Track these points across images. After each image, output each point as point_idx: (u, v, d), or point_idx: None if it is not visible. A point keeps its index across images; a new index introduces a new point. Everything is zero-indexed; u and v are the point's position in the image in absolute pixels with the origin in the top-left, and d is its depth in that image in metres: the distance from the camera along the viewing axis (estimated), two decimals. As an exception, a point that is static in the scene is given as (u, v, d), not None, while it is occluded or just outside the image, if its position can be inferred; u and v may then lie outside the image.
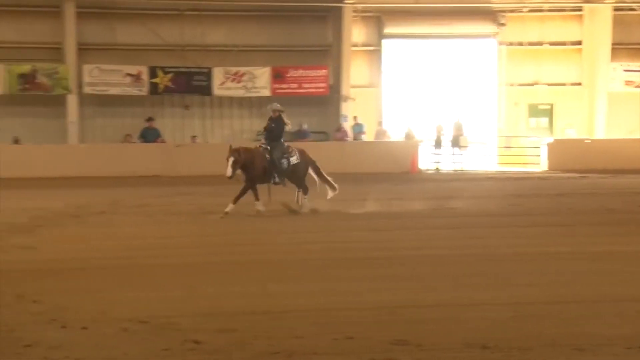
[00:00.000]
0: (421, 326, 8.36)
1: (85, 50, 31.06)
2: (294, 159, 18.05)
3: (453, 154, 33.19)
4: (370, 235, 14.95)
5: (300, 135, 32.13)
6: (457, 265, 11.81)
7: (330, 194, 18.38)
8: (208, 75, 31.54)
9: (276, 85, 31.99)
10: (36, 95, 30.47)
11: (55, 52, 31.15)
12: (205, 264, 11.97)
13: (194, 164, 29.32)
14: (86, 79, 30.56)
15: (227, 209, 16.99)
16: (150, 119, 30.78)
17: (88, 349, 7.53)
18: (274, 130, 18.11)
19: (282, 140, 18.27)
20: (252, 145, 19.79)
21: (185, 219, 17.23)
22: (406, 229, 15.76)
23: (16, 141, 29.58)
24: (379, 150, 31.88)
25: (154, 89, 31.14)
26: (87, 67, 30.60)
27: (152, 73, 31.07)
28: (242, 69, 31.83)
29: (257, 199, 17.47)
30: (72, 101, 30.62)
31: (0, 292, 9.89)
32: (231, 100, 32.80)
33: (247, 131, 33.14)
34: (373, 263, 12.01)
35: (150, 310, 8.95)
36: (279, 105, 18.60)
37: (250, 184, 17.38)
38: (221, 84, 31.60)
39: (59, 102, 30.92)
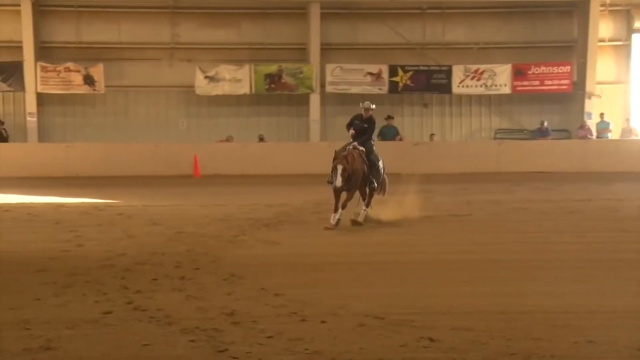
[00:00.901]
0: (670, 333, 7.97)
1: (327, 50, 31.72)
2: (381, 164, 16.44)
3: None
4: (619, 236, 14.34)
5: (541, 133, 31.43)
6: None
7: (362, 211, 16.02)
8: (447, 73, 31.39)
9: (517, 83, 31.36)
10: (281, 95, 31.51)
11: (300, 52, 32.04)
12: (441, 262, 11.94)
13: (431, 162, 29.32)
14: (328, 78, 31.22)
15: (359, 218, 15.75)
16: (389, 117, 31.07)
17: (326, 343, 7.70)
18: (367, 131, 16.31)
19: (372, 141, 16.48)
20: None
21: (422, 216, 17.21)
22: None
23: (261, 139, 30.72)
24: (626, 148, 30.50)
25: (393, 87, 31.36)
26: (329, 67, 31.26)
27: (392, 71, 31.32)
28: (482, 67, 31.46)
29: (336, 209, 15.39)
30: (314, 100, 31.41)
31: (245, 285, 10.34)
32: (470, 98, 32.53)
33: (486, 129, 32.77)
34: (619, 265, 11.56)
35: (386, 306, 9.04)
36: (371, 103, 16.61)
37: (351, 191, 15.61)
38: (460, 82, 31.39)
39: (302, 101, 31.79)
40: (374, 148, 16.35)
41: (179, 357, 7.30)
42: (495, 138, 32.37)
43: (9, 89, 30.10)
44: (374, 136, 17.05)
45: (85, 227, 15.71)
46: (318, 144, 30.52)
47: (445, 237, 14.46)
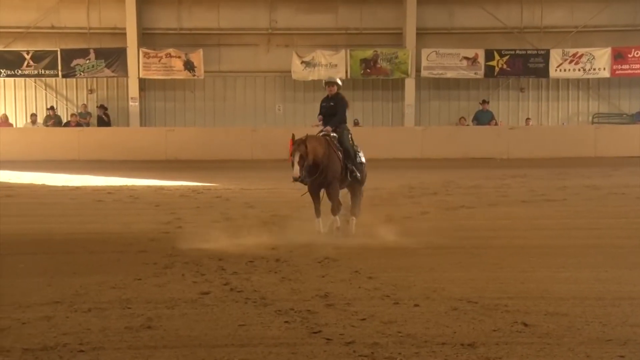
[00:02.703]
0: None
1: (423, 35, 31.56)
2: (361, 154, 13.60)
3: None
4: None
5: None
6: None
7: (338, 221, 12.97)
8: (545, 57, 30.91)
9: (616, 66, 30.70)
10: (376, 79, 31.50)
11: (396, 37, 31.95)
12: (537, 247, 11.86)
13: (527, 146, 29.05)
14: (424, 62, 31.07)
15: (337, 224, 12.92)
16: (484, 102, 30.87)
17: (419, 326, 7.75)
18: (336, 112, 13.35)
19: (346, 124, 13.55)
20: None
21: (517, 201, 17.08)
22: None
23: (356, 123, 30.74)
24: None
25: (489, 71, 31.04)
26: (425, 51, 31.09)
27: (488, 56, 30.99)
28: (581, 50, 30.89)
29: (318, 214, 12.90)
30: (409, 85, 31.30)
31: (339, 267, 10.47)
32: (567, 82, 31.99)
33: (584, 114, 32.21)
34: None
35: (480, 290, 9.05)
36: (336, 78, 13.80)
37: (331, 187, 12.91)
38: (558, 66, 30.88)
39: (397, 85, 31.76)
40: (350, 136, 13.48)
41: (273, 338, 7.43)
42: (593, 122, 31.81)
43: (112, 74, 30.88)
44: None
45: (184, 209, 16.09)
46: (413, 128, 30.48)
47: (540, 222, 14.34)
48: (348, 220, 13.22)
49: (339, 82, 13.67)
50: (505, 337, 7.39)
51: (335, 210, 12.87)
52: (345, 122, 13.50)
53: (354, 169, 13.20)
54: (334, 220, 12.89)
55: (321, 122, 13.52)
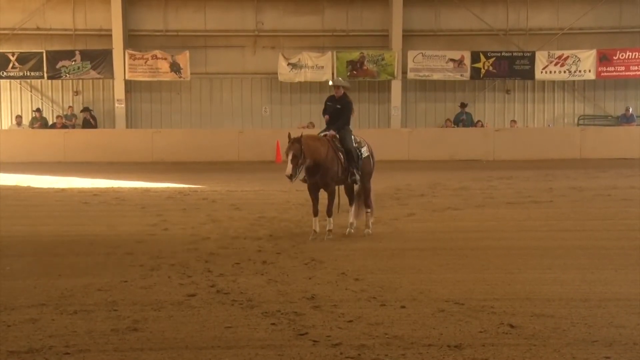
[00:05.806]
0: None
1: (409, 37, 31.62)
2: (364, 151, 13.60)
3: None
4: None
5: (625, 119, 30.93)
6: None
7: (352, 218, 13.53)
8: (530, 59, 31.02)
9: (601, 68, 30.84)
10: (362, 81, 31.53)
11: (382, 39, 31.99)
12: (523, 248, 11.87)
13: (513, 148, 29.16)
14: (410, 64, 31.14)
15: (330, 227, 12.99)
16: (462, 104, 31.09)
17: (405, 328, 7.75)
18: (340, 113, 13.48)
19: (350, 126, 13.60)
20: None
21: (503, 203, 17.11)
22: None
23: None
24: None
25: (475, 73, 31.12)
26: (411, 53, 31.16)
27: (475, 58, 31.07)
28: (566, 52, 31.01)
29: (315, 213, 12.98)
30: (396, 87, 31.38)
31: (326, 269, 10.46)
32: (553, 84, 32.13)
33: (569, 115, 32.35)
34: None
35: (466, 292, 9.07)
36: (343, 80, 13.61)
37: (330, 188, 13.10)
38: (544, 68, 30.99)
39: (384, 87, 31.80)
40: (353, 136, 13.54)
41: (260, 340, 7.42)
42: (578, 124, 31.95)
43: (98, 76, 30.81)
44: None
45: (171, 211, 16.06)
46: (399, 130, 30.55)
47: (527, 223, 14.36)
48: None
49: (346, 84, 13.89)
50: (491, 339, 7.40)
51: (330, 211, 13.05)
52: (348, 124, 13.57)
53: (355, 171, 13.25)
54: (328, 222, 12.99)
55: (326, 122, 13.62)
